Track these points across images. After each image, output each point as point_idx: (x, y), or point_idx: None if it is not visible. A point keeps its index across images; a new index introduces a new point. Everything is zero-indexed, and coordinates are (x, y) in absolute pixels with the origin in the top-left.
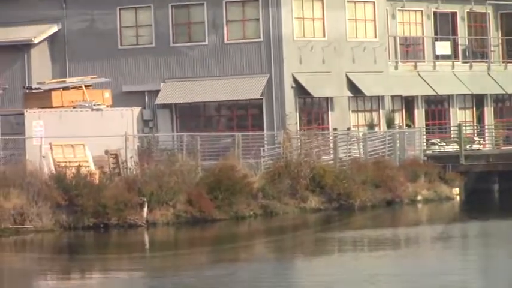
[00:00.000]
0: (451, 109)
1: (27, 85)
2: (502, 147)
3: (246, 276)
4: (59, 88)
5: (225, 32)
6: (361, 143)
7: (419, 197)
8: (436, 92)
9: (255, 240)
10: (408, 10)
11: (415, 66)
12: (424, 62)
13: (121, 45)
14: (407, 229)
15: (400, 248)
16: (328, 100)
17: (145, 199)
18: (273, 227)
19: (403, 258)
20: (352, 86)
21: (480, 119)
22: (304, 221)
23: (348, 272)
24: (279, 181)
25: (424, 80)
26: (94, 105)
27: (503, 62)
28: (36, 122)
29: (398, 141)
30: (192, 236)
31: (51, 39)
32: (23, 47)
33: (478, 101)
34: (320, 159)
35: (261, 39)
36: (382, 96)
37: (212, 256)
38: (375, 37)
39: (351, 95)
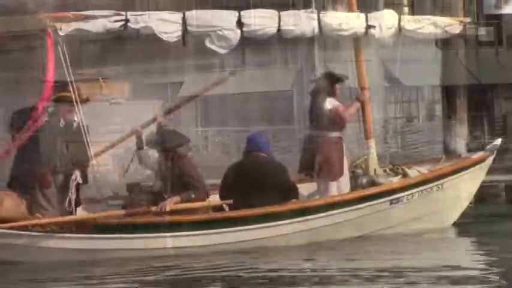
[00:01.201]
0: (494, 99)
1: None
2: None
3: None
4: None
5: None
6: (398, 137)
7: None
8: (478, 81)
9: None
10: None
11: (457, 53)
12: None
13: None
14: None
15: None
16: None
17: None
18: None
19: None
20: (389, 75)
21: None
22: None
23: None
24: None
25: (465, 67)
26: (112, 98)
27: None
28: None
29: (439, 135)
30: None
31: None
32: (38, 37)
33: None
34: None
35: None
36: (422, 86)
37: None
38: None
39: (388, 84)
